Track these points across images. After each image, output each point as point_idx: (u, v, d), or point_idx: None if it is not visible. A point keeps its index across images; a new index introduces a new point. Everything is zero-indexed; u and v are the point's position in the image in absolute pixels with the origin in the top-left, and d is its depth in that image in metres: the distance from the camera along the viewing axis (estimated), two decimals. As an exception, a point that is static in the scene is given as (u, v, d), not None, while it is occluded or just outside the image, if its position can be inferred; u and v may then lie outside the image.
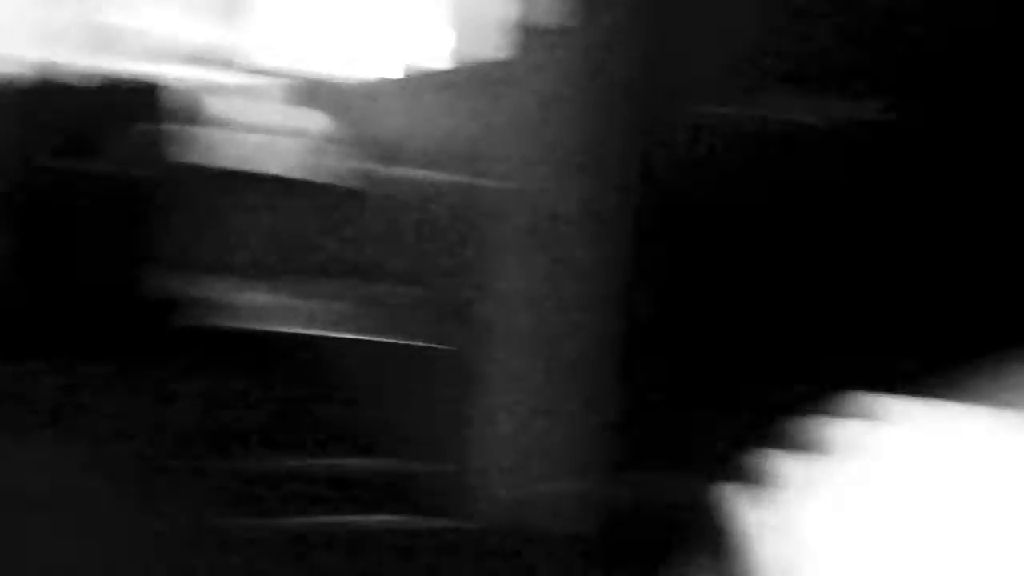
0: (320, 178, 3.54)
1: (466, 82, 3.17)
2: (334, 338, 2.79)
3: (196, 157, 3.47)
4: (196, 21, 4.89)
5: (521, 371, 2.58)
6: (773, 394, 2.06)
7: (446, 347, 2.72)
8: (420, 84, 3.58)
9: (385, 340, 2.78)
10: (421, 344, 2.74)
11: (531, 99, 2.76)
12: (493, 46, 3.07)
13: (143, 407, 3.90)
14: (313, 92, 4.57)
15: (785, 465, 1.27)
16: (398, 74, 3.90)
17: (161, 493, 2.99)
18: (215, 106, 4.83)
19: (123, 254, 4.25)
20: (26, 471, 3.25)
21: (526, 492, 2.75)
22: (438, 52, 4.03)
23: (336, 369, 4.09)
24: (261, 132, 3.80)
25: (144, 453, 3.41)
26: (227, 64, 4.91)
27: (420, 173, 3.21)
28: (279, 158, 3.57)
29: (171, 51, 4.79)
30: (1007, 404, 1.21)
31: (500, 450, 2.58)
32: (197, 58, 4.83)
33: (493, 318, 2.69)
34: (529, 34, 2.78)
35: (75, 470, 3.25)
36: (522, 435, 2.58)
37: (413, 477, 3.02)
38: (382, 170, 3.63)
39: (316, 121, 4.01)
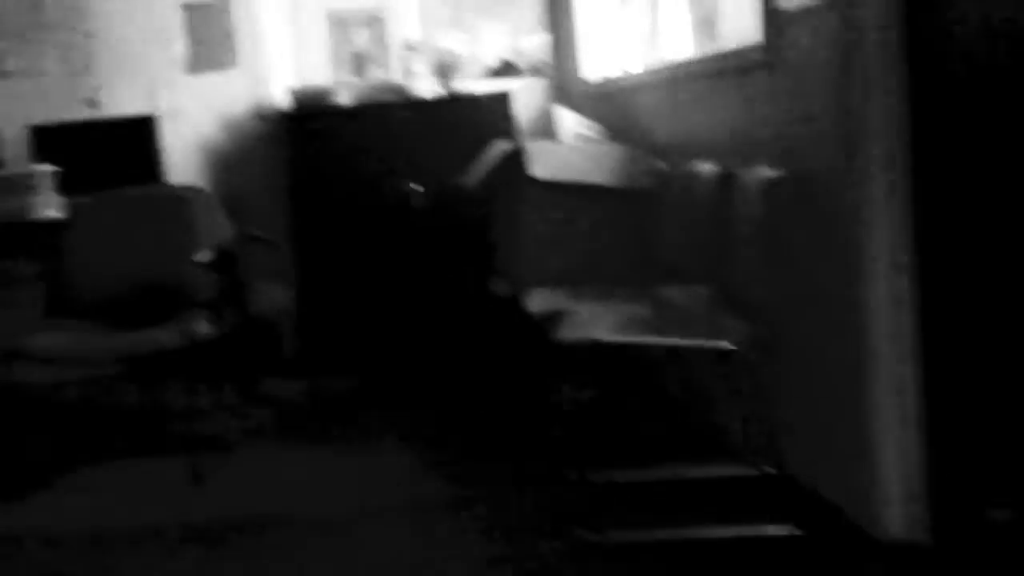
0: (622, 182, 3.71)
1: (733, 70, 3.23)
2: (648, 344, 2.95)
3: (524, 168, 3.73)
4: (514, 36, 5.26)
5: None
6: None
7: (745, 348, 2.80)
8: (684, 75, 3.67)
9: (691, 343, 2.90)
10: (724, 347, 2.83)
11: (798, 83, 2.78)
12: (751, 31, 3.11)
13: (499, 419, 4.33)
14: (598, 94, 4.79)
15: None
16: (661, 67, 4.01)
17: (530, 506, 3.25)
18: (535, 116, 5.18)
19: (481, 266, 4.67)
20: (374, 480, 3.73)
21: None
22: (699, 42, 4.09)
23: (655, 374, 4.30)
24: (574, 140, 4.03)
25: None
26: (543, 75, 5.24)
27: (705, 167, 3.31)
28: (591, 165, 3.77)
29: (493, 66, 5.20)
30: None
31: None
32: (517, 71, 5.21)
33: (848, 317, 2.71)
34: (787, 16, 2.81)
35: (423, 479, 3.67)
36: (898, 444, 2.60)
37: (756, 481, 3.13)
38: (669, 167, 3.76)
39: (606, 124, 4.21)
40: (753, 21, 3.06)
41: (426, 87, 4.92)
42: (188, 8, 5.23)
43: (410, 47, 4.94)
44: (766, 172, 2.87)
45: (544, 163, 3.71)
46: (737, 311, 3.01)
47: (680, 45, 4.23)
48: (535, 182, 3.71)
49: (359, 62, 5.34)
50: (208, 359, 4.68)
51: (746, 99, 3.16)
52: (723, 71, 3.31)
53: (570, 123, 4.01)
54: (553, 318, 3.30)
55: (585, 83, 4.91)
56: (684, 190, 3.48)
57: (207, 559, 3.08)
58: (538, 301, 3.54)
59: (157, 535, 3.29)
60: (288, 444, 4.09)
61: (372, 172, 4.87)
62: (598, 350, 3.02)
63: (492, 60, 5.18)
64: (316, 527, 3.24)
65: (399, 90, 5.09)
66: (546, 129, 4.25)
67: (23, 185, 4.75)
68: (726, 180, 3.15)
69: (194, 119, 5.28)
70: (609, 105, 4.57)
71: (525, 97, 5.15)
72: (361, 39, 5.33)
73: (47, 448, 4.24)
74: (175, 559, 3.11)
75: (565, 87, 5.23)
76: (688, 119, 3.68)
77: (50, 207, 4.76)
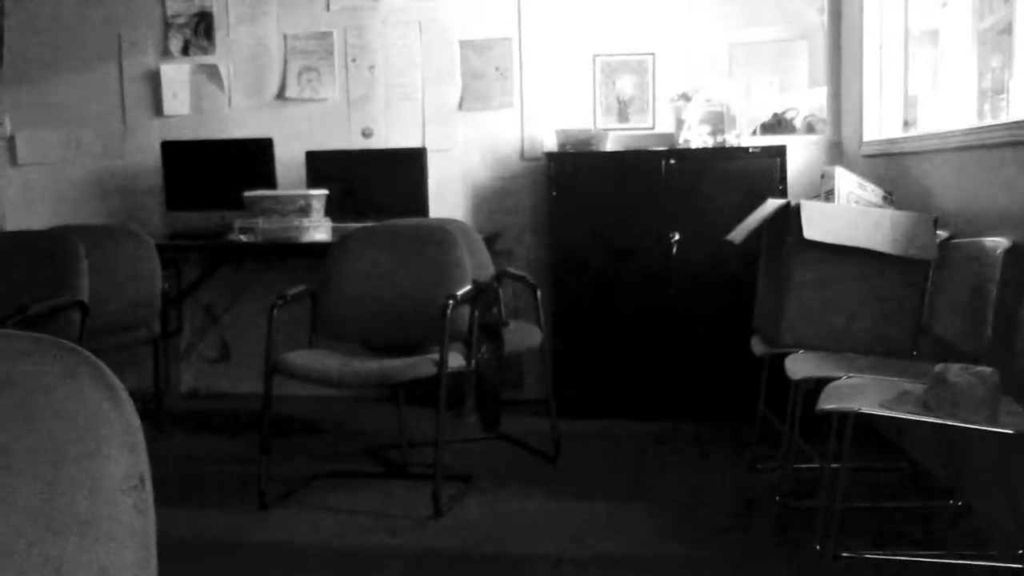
0: (899, 249, 3.59)
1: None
2: (918, 421, 2.84)
3: (796, 228, 3.68)
4: (788, 91, 5.20)
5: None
6: None
7: None
8: (974, 142, 3.51)
9: (969, 426, 2.77)
10: (1005, 432, 2.70)
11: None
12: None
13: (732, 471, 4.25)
14: (877, 155, 4.65)
15: None
16: (947, 132, 3.85)
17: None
18: (808, 174, 5.09)
19: (739, 323, 4.62)
20: (610, 527, 3.71)
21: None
22: (985, 109, 3.91)
23: (916, 451, 4.12)
24: (850, 201, 3.94)
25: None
26: (818, 131, 5.15)
27: (993, 240, 3.17)
28: (867, 229, 3.67)
29: (765, 120, 5.15)
30: None
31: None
32: (791, 127, 5.13)
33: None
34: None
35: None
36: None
37: None
38: (951, 237, 3.61)
39: (884, 186, 4.08)
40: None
41: (695, 138, 4.93)
42: (466, 46, 5.43)
43: (682, 96, 4.96)
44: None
45: (817, 224, 3.63)
46: (1019, 395, 2.86)
47: (964, 110, 4.08)
48: (807, 243, 3.64)
49: (623, 108, 5.40)
50: (458, 391, 4.81)
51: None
52: (1019, 141, 3.16)
53: (846, 183, 3.91)
54: (815, 384, 3.23)
55: (863, 142, 4.80)
56: (968, 263, 3.34)
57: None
58: (799, 365, 3.46)
59: (392, 559, 3.39)
60: (528, 482, 4.13)
61: (633, 219, 4.91)
62: (861, 422, 2.93)
63: (765, 114, 5.14)
64: (550, 569, 3.26)
65: (666, 138, 5.11)
66: (820, 188, 4.17)
67: (296, 207, 5.03)
68: (1016, 255, 3.00)
69: (462, 155, 5.47)
70: (888, 167, 4.44)
71: (798, 154, 5.09)
72: (626, 86, 5.39)
73: (295, 461, 4.44)
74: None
75: (842, 145, 5.12)
76: (976, 188, 3.53)
77: (320, 230, 5.02)
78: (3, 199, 5.92)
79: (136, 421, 1.26)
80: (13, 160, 5.93)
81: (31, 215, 5.85)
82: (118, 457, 1.24)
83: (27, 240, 4.64)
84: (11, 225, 5.82)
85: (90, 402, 1.24)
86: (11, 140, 5.92)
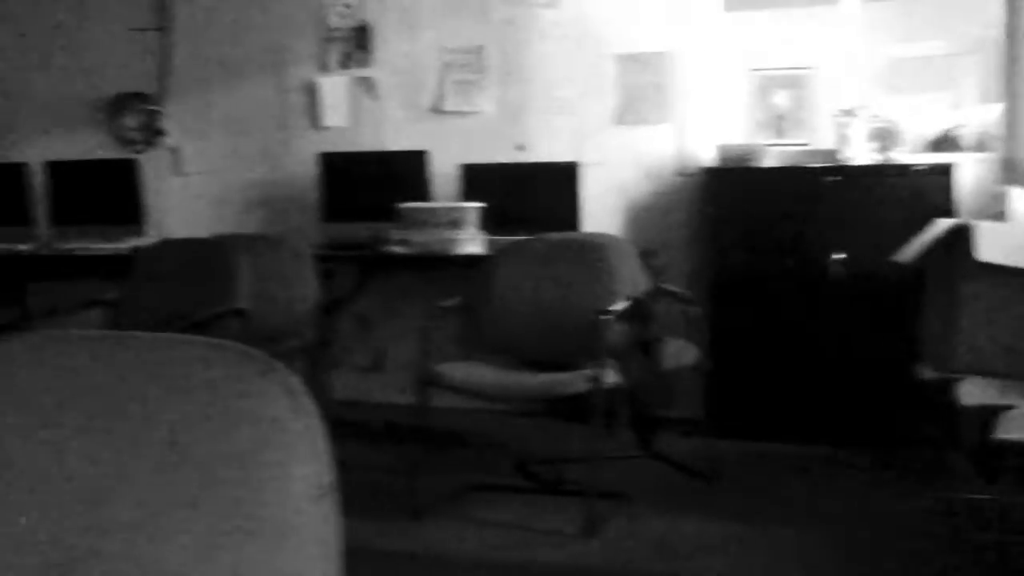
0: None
1: None
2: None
3: (969, 249, 3.57)
4: (958, 107, 5.03)
5: None
6: None
7: None
8: None
9: None
10: None
11: None
12: None
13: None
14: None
15: None
16: None
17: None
18: (980, 193, 4.91)
19: (903, 347, 4.49)
20: (766, 555, 3.63)
21: None
22: None
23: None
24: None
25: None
26: (990, 149, 4.96)
27: None
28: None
29: (933, 137, 4.99)
30: None
31: None
32: (960, 144, 4.97)
33: None
34: None
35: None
36: None
37: None
38: None
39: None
40: None
41: (859, 154, 4.80)
42: (622, 60, 5.41)
43: (846, 112, 4.84)
44: None
45: (993, 245, 3.50)
46: None
47: None
48: (981, 265, 3.50)
49: (780, 124, 5.30)
50: (610, 407, 4.78)
51: None
52: None
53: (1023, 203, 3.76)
54: (989, 413, 3.10)
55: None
56: None
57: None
58: (971, 393, 3.33)
59: (543, 575, 3.39)
60: (682, 502, 4.08)
61: (793, 236, 4.81)
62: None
63: (932, 131, 4.98)
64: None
65: (828, 155, 5.00)
66: (993, 208, 4.02)
67: (450, 219, 5.08)
68: None
69: (616, 169, 5.44)
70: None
71: (969, 172, 4.91)
72: (783, 101, 5.29)
73: (445, 473, 4.48)
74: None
75: (1017, 164, 4.92)
76: None
77: (473, 243, 5.06)
78: (167, 207, 6.13)
79: (322, 430, 1.27)
80: (177, 170, 6.14)
81: (193, 223, 6.04)
82: (304, 465, 1.25)
83: (190, 248, 4.79)
84: (174, 233, 6.02)
85: (278, 409, 1.26)
86: (176, 151, 6.13)
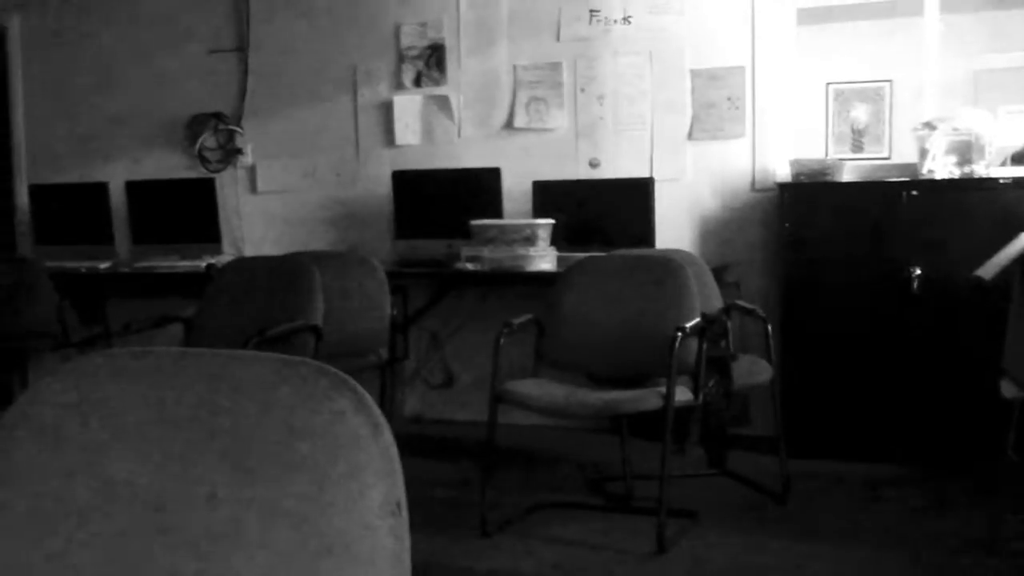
0: None
1: None
2: None
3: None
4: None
5: None
6: None
7: None
8: None
9: None
10: None
11: None
12: None
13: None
14: None
15: None
16: None
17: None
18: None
19: (986, 364, 4.41)
20: None
21: None
22: None
23: None
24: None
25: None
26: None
27: None
28: None
29: (1016, 150, 4.90)
30: None
31: None
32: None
33: None
34: None
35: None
36: None
37: None
38: None
39: None
40: None
41: (940, 168, 4.73)
42: (697, 75, 5.39)
43: (926, 125, 4.78)
44: None
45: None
46: None
47: None
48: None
49: (857, 137, 5.25)
50: (683, 425, 4.75)
51: None
52: None
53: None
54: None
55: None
56: None
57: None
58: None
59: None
60: (755, 521, 4.04)
61: (871, 251, 4.75)
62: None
63: (1015, 144, 4.89)
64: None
65: (904, 168, 4.93)
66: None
67: (522, 236, 5.09)
68: None
69: (690, 185, 5.42)
70: None
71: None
72: (861, 114, 5.24)
73: (516, 490, 4.47)
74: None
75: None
76: None
77: (545, 260, 5.06)
78: (244, 225, 6.23)
79: (393, 447, 1.29)
80: (253, 188, 6.23)
81: (269, 241, 6.12)
82: (376, 482, 1.26)
83: (266, 265, 4.86)
84: (250, 250, 6.12)
85: (351, 426, 1.27)
86: (252, 169, 6.22)
